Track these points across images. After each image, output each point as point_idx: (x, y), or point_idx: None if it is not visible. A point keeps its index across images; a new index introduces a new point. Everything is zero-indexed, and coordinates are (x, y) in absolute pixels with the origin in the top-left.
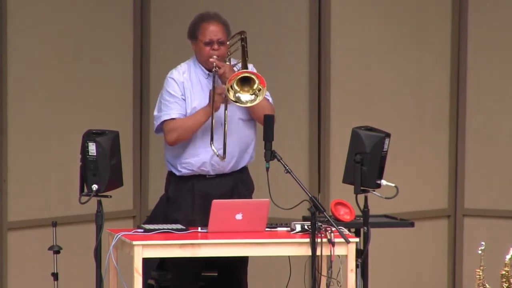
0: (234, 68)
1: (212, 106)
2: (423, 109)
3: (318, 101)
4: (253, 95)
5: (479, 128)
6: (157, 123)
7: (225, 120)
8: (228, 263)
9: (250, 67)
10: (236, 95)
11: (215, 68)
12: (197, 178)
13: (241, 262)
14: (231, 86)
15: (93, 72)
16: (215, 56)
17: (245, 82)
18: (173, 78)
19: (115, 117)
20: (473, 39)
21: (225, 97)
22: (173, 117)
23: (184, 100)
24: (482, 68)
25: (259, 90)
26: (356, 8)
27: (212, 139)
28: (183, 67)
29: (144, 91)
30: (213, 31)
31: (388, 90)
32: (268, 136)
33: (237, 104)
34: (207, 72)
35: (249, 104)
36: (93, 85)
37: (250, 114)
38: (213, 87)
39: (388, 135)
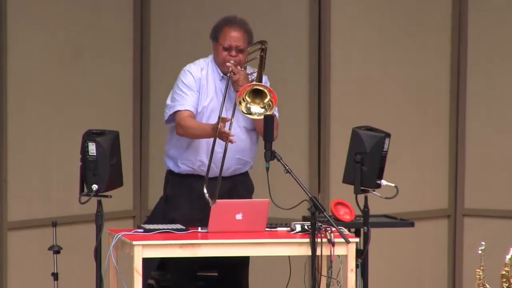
0: (249, 77)
1: (215, 137)
2: (423, 109)
3: (318, 101)
4: (263, 108)
5: (479, 128)
6: (169, 112)
7: (223, 157)
8: (229, 263)
9: (265, 79)
10: (247, 106)
11: (230, 73)
12: (196, 177)
13: (242, 263)
14: (243, 98)
15: (93, 71)
16: (232, 61)
17: (257, 94)
18: (190, 72)
19: (115, 117)
20: (473, 39)
21: (227, 137)
22: (187, 108)
23: (198, 94)
24: (482, 68)
25: (269, 105)
26: (356, 8)
27: (206, 185)
28: (201, 63)
29: (144, 91)
30: (234, 37)
31: (388, 90)
32: (268, 136)
33: (248, 115)
34: (221, 74)
35: (257, 117)
36: (93, 85)
37: (253, 125)
38: (225, 91)
39: (388, 135)
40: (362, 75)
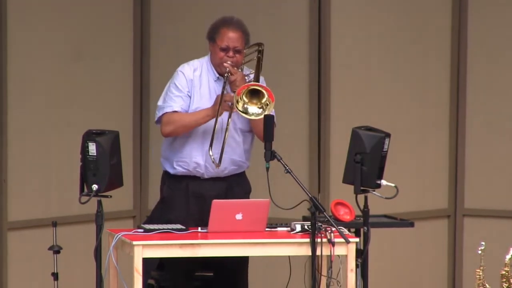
0: (246, 78)
1: (218, 111)
2: (423, 109)
3: (318, 101)
4: (261, 109)
5: (479, 128)
6: (159, 113)
7: (226, 129)
8: (227, 263)
9: (261, 80)
10: (245, 106)
11: (228, 73)
12: (192, 178)
13: (240, 263)
14: (240, 97)
15: (93, 72)
16: (229, 62)
17: (254, 94)
18: (183, 73)
19: (115, 117)
20: (473, 39)
21: (231, 106)
22: (175, 110)
23: (189, 96)
24: (482, 68)
25: (267, 104)
26: (356, 8)
27: (211, 145)
28: (195, 63)
29: (144, 91)
30: (231, 38)
31: (388, 90)
32: (268, 136)
33: (244, 115)
34: (217, 75)
35: (254, 117)
36: (93, 85)
37: (250, 127)
38: (222, 92)
39: (388, 135)
40: (362, 75)
